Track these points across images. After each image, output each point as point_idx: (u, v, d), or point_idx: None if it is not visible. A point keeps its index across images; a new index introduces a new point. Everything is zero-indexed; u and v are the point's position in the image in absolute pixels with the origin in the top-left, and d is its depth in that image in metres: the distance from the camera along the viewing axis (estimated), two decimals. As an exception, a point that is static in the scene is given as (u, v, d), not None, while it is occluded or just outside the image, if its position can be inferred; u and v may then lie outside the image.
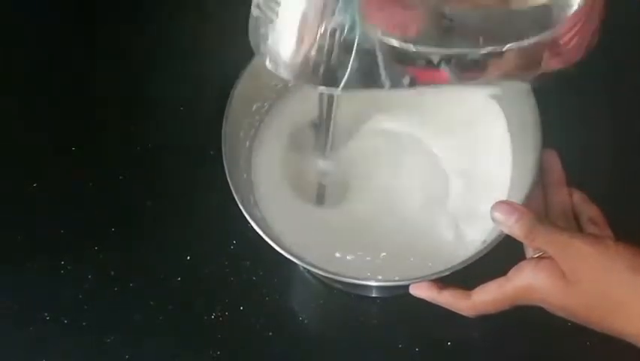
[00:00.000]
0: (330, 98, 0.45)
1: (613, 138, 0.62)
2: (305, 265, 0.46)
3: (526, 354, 0.56)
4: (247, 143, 0.56)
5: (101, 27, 0.73)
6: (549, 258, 0.41)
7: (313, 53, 0.36)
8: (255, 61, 0.52)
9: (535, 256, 0.43)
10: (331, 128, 0.49)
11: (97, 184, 0.65)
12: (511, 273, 0.42)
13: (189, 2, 0.74)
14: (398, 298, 0.59)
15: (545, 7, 0.37)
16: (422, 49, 0.36)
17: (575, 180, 0.49)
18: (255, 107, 0.56)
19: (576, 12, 0.37)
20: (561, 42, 0.39)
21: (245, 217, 0.47)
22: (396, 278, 0.46)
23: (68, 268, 0.61)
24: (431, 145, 0.57)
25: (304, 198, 0.55)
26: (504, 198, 0.51)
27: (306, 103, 0.58)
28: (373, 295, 0.59)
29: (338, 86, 0.37)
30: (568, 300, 0.40)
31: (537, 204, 0.47)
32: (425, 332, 0.57)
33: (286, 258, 0.46)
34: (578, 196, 0.48)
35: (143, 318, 0.59)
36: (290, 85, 0.55)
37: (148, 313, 0.59)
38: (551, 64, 0.40)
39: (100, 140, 0.67)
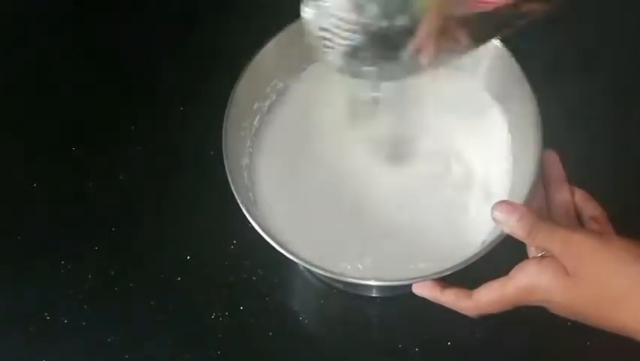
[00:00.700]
0: None
1: (613, 137, 0.62)
2: (305, 265, 0.46)
3: (527, 354, 0.56)
4: (248, 142, 0.55)
5: (101, 26, 0.73)
6: (551, 257, 0.41)
7: None
8: (255, 60, 0.52)
9: (538, 255, 0.43)
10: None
11: (97, 184, 0.65)
12: (513, 272, 0.42)
13: (189, 2, 0.74)
14: (398, 298, 0.59)
15: None
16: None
17: (575, 178, 0.49)
18: (255, 106, 0.56)
19: None
20: None
21: (245, 217, 0.47)
22: (397, 278, 0.46)
23: (68, 268, 0.61)
24: (432, 145, 0.57)
25: (305, 198, 0.55)
26: (505, 197, 0.51)
27: (307, 102, 0.58)
28: (373, 295, 0.59)
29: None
30: (572, 297, 0.40)
31: (538, 204, 0.47)
32: (425, 332, 0.57)
33: (286, 258, 0.45)
34: (579, 194, 0.48)
35: (143, 318, 0.59)
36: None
37: (148, 313, 0.59)
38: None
39: (100, 140, 0.67)
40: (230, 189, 0.48)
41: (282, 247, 0.46)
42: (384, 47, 0.38)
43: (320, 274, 0.55)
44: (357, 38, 0.37)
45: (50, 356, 0.58)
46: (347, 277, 0.47)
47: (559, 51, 0.65)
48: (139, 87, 0.69)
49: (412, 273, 0.45)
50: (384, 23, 0.36)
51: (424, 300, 0.46)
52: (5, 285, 0.61)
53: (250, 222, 0.47)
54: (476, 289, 0.44)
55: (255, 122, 0.56)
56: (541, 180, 0.48)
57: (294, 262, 0.46)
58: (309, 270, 0.59)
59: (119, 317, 0.59)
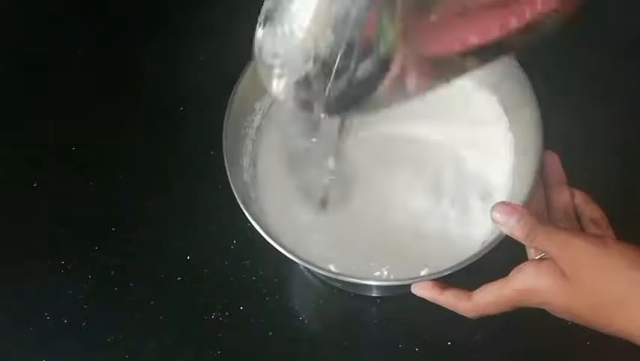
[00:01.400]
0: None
1: (614, 138, 0.62)
2: (305, 265, 0.46)
3: (527, 354, 0.56)
4: (248, 141, 0.55)
5: (101, 26, 0.73)
6: (550, 259, 0.41)
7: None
8: (253, 61, 0.52)
9: (537, 257, 0.43)
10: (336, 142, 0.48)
11: (97, 184, 0.65)
12: (512, 274, 0.42)
13: (189, 2, 0.74)
14: (398, 298, 0.59)
15: None
16: None
17: (576, 180, 0.49)
18: (256, 105, 0.56)
19: None
20: None
21: (245, 217, 0.47)
22: (397, 278, 0.46)
23: (68, 268, 0.61)
24: (433, 146, 0.57)
25: (305, 198, 0.55)
26: (505, 198, 0.51)
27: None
28: (373, 295, 0.59)
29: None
30: (570, 300, 0.40)
31: (539, 205, 0.47)
32: (425, 332, 0.57)
33: (286, 258, 0.45)
34: (579, 197, 0.48)
35: (143, 318, 0.59)
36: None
37: (148, 313, 0.59)
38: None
39: (100, 140, 0.67)
40: (231, 189, 0.48)
41: (282, 246, 0.46)
42: (348, 81, 0.34)
43: (320, 274, 0.55)
44: (312, 69, 0.34)
45: (50, 356, 0.58)
46: (347, 277, 0.47)
47: (560, 51, 0.65)
48: (139, 87, 0.69)
49: (411, 273, 0.45)
50: (347, 61, 0.33)
51: (423, 300, 0.46)
52: (5, 285, 0.61)
53: (250, 222, 0.47)
54: (475, 291, 0.44)
55: (256, 122, 0.56)
56: (541, 182, 0.48)
57: (294, 262, 0.46)
58: (309, 270, 0.59)
59: (119, 317, 0.59)
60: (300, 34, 0.33)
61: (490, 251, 0.44)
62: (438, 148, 0.57)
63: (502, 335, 0.55)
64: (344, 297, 0.59)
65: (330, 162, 0.52)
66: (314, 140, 0.56)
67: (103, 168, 0.66)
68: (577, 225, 0.47)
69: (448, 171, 0.56)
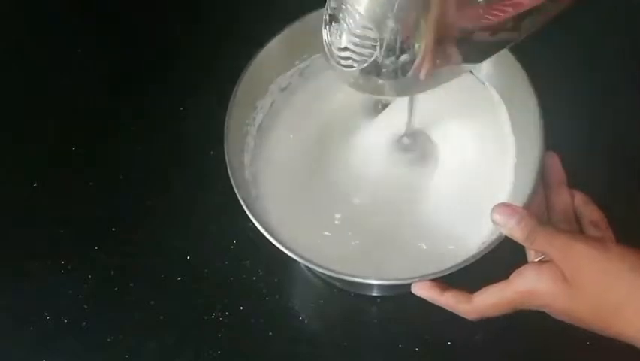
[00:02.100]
0: None
1: (615, 139, 0.62)
2: (306, 263, 0.46)
3: (527, 354, 0.56)
4: (250, 139, 0.55)
5: (100, 26, 0.74)
6: (550, 262, 0.41)
7: None
8: (258, 58, 0.52)
9: (537, 260, 0.43)
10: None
11: (97, 184, 0.65)
12: (512, 277, 0.42)
13: (189, 2, 0.74)
14: (398, 297, 0.59)
15: None
16: None
17: (576, 182, 0.49)
18: (258, 103, 0.56)
19: None
20: None
21: (245, 217, 0.47)
22: (397, 277, 0.46)
23: (68, 268, 0.61)
24: (434, 145, 0.57)
25: (307, 196, 0.55)
26: (505, 199, 0.51)
27: (310, 100, 0.58)
28: (374, 294, 0.59)
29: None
30: (570, 303, 0.40)
31: (539, 206, 0.47)
32: (425, 332, 0.57)
33: (286, 258, 0.45)
34: (579, 198, 0.48)
35: (143, 318, 0.59)
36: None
37: (148, 313, 0.59)
38: None
39: (100, 140, 0.67)
40: (231, 189, 0.48)
41: (281, 243, 0.45)
42: (400, 60, 0.39)
43: (320, 273, 0.55)
44: (375, 53, 0.39)
45: (50, 356, 0.58)
46: (347, 276, 0.47)
47: (561, 52, 0.65)
48: (139, 87, 0.69)
49: (412, 272, 0.45)
50: (400, 37, 0.38)
51: (423, 300, 0.46)
52: (5, 285, 0.61)
53: (250, 221, 0.47)
54: (475, 293, 0.44)
55: (258, 119, 0.56)
56: (542, 183, 0.48)
57: (295, 262, 0.46)
58: (309, 269, 0.59)
59: (119, 317, 0.59)
60: (365, 25, 0.38)
61: (490, 252, 0.44)
62: (438, 148, 0.57)
63: (503, 335, 0.55)
64: (344, 297, 0.59)
65: (405, 140, 0.56)
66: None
67: (103, 168, 0.66)
68: (576, 227, 0.47)
69: (448, 172, 0.56)
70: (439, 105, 0.56)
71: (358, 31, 0.39)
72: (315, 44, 0.55)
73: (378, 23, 0.38)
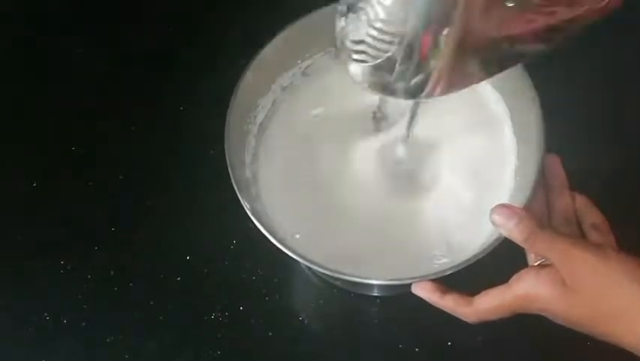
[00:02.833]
0: None
1: (615, 142, 0.62)
2: (306, 263, 0.46)
3: (527, 354, 0.56)
4: (251, 138, 0.55)
5: (100, 26, 0.73)
6: (550, 266, 0.41)
7: None
8: (260, 56, 0.52)
9: (536, 264, 0.43)
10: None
11: (97, 184, 0.65)
12: (512, 281, 0.42)
13: (190, 2, 0.74)
14: (398, 297, 0.59)
15: None
16: None
17: (577, 184, 0.49)
18: (260, 102, 0.56)
19: None
20: None
21: (245, 217, 0.47)
22: (397, 277, 0.46)
23: (68, 268, 0.61)
24: (436, 146, 0.57)
25: (307, 196, 0.55)
26: (506, 201, 0.51)
27: (311, 99, 0.58)
28: (374, 295, 0.59)
29: None
30: (569, 309, 0.40)
31: (540, 209, 0.47)
32: (425, 332, 0.57)
33: (286, 258, 0.45)
34: (580, 201, 0.47)
35: (143, 318, 0.59)
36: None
37: (148, 313, 0.59)
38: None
39: (100, 140, 0.67)
40: (231, 189, 0.48)
41: (281, 243, 0.45)
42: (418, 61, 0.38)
43: (320, 273, 0.55)
44: (392, 49, 0.37)
45: (50, 356, 0.58)
46: (347, 276, 0.47)
47: (563, 54, 0.65)
48: (139, 86, 0.69)
49: (412, 272, 0.45)
50: (423, 36, 0.36)
51: (424, 300, 0.46)
52: (5, 285, 0.61)
53: (250, 221, 0.47)
54: (475, 296, 0.44)
55: (259, 118, 0.56)
56: (543, 185, 0.48)
57: (295, 262, 0.46)
58: (309, 269, 0.59)
59: (119, 317, 0.59)
60: (387, 19, 0.36)
61: (490, 255, 0.44)
62: (439, 149, 0.57)
63: (503, 336, 0.54)
64: (344, 297, 0.59)
65: (400, 151, 0.54)
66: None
67: (103, 168, 0.66)
68: (577, 230, 0.46)
69: (448, 172, 0.56)
70: (438, 106, 0.56)
71: (378, 24, 0.37)
72: (317, 43, 0.56)
73: (403, 19, 0.36)
